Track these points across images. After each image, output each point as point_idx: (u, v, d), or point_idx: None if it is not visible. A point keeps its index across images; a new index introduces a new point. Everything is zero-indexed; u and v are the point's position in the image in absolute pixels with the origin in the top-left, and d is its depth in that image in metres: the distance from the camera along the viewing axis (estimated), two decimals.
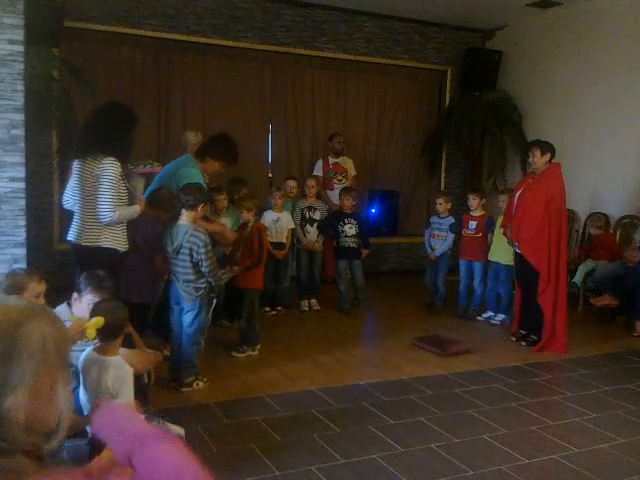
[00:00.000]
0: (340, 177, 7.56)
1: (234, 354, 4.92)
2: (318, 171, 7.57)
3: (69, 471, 1.21)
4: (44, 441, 1.11)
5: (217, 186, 5.68)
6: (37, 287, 3.01)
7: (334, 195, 7.24)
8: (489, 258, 6.22)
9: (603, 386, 4.55)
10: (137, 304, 4.25)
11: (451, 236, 6.40)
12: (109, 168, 3.80)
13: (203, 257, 4.05)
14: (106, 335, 2.84)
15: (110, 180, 3.81)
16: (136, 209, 4.02)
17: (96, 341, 2.90)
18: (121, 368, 2.85)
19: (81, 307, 3.09)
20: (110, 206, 3.81)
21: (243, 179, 6.20)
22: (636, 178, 6.79)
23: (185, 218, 4.12)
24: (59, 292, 3.23)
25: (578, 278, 6.48)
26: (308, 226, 6.49)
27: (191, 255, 4.06)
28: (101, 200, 3.81)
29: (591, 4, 7.33)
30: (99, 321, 2.73)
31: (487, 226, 6.25)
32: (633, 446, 3.58)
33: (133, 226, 4.13)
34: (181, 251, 4.08)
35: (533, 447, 3.53)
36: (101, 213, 3.82)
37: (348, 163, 7.67)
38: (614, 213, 6.99)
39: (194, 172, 4.69)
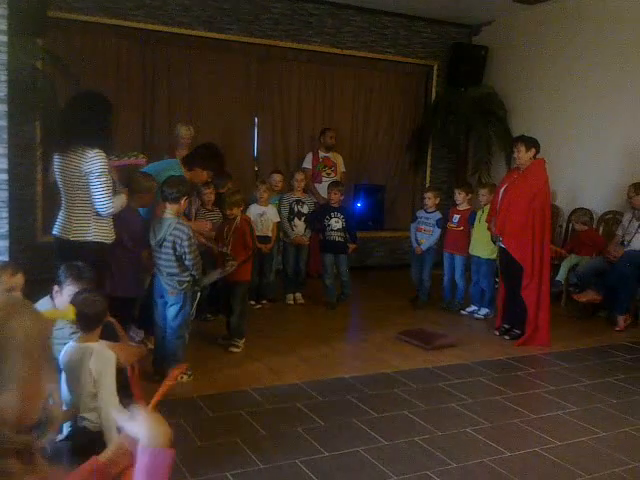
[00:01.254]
0: (329, 171, 7.57)
1: (233, 350, 4.88)
2: (308, 164, 7.56)
3: (62, 472, 1.21)
4: (33, 438, 1.10)
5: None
6: (10, 280, 2.94)
7: (322, 188, 7.25)
8: (470, 252, 6.26)
9: (585, 380, 4.60)
10: (122, 298, 4.23)
11: (438, 231, 6.43)
12: (97, 161, 3.77)
13: (187, 250, 4.04)
14: (86, 326, 2.84)
15: (102, 173, 3.78)
16: (123, 198, 4.02)
17: (78, 333, 2.90)
18: (103, 352, 2.85)
19: (63, 299, 3.06)
20: (110, 198, 3.82)
21: (229, 173, 6.17)
22: (619, 174, 6.85)
23: (168, 211, 4.11)
24: (42, 285, 3.20)
25: (561, 276, 6.52)
26: (296, 220, 6.48)
27: (174, 248, 4.05)
28: (99, 194, 3.79)
29: (578, 1, 7.37)
30: (72, 311, 2.73)
31: (469, 220, 6.29)
32: (614, 439, 3.63)
33: (118, 221, 4.10)
34: (164, 244, 4.07)
35: (515, 440, 3.56)
36: (103, 206, 3.81)
37: (338, 159, 7.68)
38: (597, 209, 7.05)
39: None
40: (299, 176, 6.57)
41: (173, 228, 4.04)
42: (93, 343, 2.87)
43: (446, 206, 7.29)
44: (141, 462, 1.27)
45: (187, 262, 4.08)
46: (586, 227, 6.72)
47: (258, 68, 7.84)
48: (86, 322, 2.83)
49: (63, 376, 2.85)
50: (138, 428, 1.33)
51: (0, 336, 1.06)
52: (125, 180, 4.29)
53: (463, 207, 6.43)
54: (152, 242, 4.12)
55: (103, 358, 2.83)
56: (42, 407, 1.12)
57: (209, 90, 7.54)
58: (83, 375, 2.78)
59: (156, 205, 4.42)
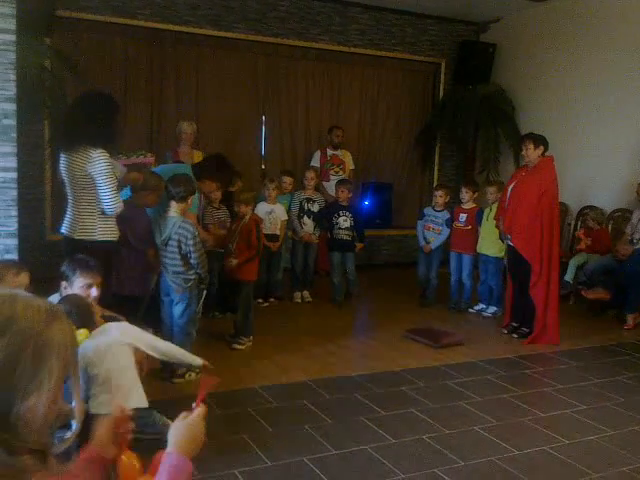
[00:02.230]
0: (337, 169, 7.56)
1: (236, 347, 4.90)
2: (315, 162, 7.56)
3: (69, 469, 1.22)
4: (49, 440, 1.12)
5: None
6: (15, 280, 2.94)
7: (330, 186, 7.26)
8: (478, 250, 6.24)
9: (593, 378, 4.58)
10: (129, 297, 4.25)
11: (447, 231, 6.40)
12: (101, 162, 3.78)
13: (192, 249, 4.06)
14: (82, 324, 2.83)
15: (107, 173, 3.81)
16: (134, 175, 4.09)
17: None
18: (120, 324, 2.86)
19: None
20: (116, 197, 3.85)
21: (238, 171, 6.18)
22: (627, 172, 6.81)
23: (174, 210, 4.13)
24: (51, 282, 3.21)
25: (569, 276, 6.48)
26: (305, 217, 6.49)
27: (180, 247, 4.07)
28: (105, 195, 3.82)
29: None
30: (85, 334, 2.74)
31: (476, 218, 6.27)
32: (622, 438, 3.61)
33: (124, 220, 4.11)
34: (170, 243, 4.09)
35: (524, 439, 3.55)
36: (110, 207, 3.85)
37: (347, 156, 7.67)
38: (606, 207, 7.02)
39: None
40: (310, 174, 6.57)
41: (178, 227, 4.06)
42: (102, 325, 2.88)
43: (453, 204, 7.26)
44: (164, 466, 1.28)
45: (192, 260, 4.09)
46: (599, 227, 6.68)
47: (265, 66, 7.85)
48: (78, 322, 2.82)
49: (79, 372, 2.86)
50: (172, 430, 1.35)
51: (41, 341, 1.08)
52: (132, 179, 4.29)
53: (468, 206, 6.40)
54: (157, 241, 4.14)
55: (125, 327, 2.85)
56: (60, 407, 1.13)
57: (216, 89, 7.55)
58: (114, 346, 2.78)
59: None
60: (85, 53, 6.76)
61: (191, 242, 4.05)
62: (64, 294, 3.11)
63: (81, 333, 2.74)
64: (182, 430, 1.36)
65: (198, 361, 3.13)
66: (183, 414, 1.39)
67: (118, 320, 3.14)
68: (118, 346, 2.87)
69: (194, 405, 1.40)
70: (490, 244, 6.05)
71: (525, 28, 8.22)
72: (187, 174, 4.45)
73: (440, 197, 6.50)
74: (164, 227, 4.10)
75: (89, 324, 2.85)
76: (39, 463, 1.06)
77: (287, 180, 6.53)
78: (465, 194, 6.39)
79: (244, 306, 4.97)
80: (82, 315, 2.82)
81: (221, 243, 5.16)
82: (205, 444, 1.39)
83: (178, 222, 4.07)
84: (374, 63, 8.47)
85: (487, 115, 8.35)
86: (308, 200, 6.51)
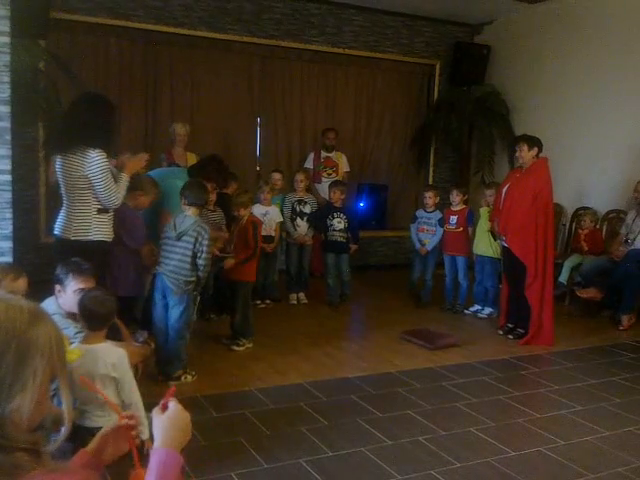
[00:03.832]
0: (330, 171, 7.56)
1: (235, 348, 4.91)
2: (309, 163, 7.58)
3: (67, 466, 1.22)
4: (44, 438, 1.11)
5: None
6: (12, 285, 2.91)
7: (321, 188, 7.27)
8: (474, 251, 6.25)
9: (589, 379, 4.59)
10: (123, 297, 4.24)
11: (441, 230, 6.41)
12: (98, 162, 3.80)
13: (205, 249, 4.11)
14: (93, 325, 2.84)
15: (104, 172, 3.84)
16: (125, 177, 4.06)
17: (82, 332, 2.90)
18: (114, 352, 2.84)
19: (67, 298, 3.05)
20: (114, 191, 3.90)
21: (234, 173, 6.17)
22: (622, 173, 6.83)
23: (191, 212, 4.20)
24: (46, 285, 3.20)
25: (563, 277, 6.49)
26: (298, 219, 6.48)
27: (195, 243, 4.11)
28: (104, 193, 3.87)
29: None
30: (75, 352, 2.73)
31: (467, 219, 6.29)
32: (618, 438, 3.62)
33: (116, 220, 4.12)
34: (184, 238, 4.12)
35: (520, 439, 3.56)
36: (111, 203, 3.92)
37: (341, 158, 7.66)
38: (600, 208, 7.03)
39: None
40: (299, 176, 6.57)
41: (197, 225, 4.14)
42: (99, 344, 2.86)
43: (444, 205, 7.25)
44: (152, 465, 1.27)
45: (200, 260, 4.12)
46: (592, 227, 6.69)
47: (260, 68, 7.84)
48: (94, 321, 2.82)
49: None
50: (155, 428, 1.35)
51: (24, 341, 1.07)
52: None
53: (458, 207, 6.41)
54: (171, 234, 4.15)
55: (115, 360, 2.82)
56: (48, 409, 1.13)
57: (211, 90, 7.54)
58: (94, 375, 2.76)
59: (162, 214, 4.54)
60: (80, 55, 6.75)
61: (206, 242, 4.12)
62: (59, 297, 3.10)
63: (73, 351, 2.72)
64: (166, 423, 1.35)
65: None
66: (155, 409, 1.38)
67: (117, 326, 3.13)
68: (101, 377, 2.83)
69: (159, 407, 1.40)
70: (485, 245, 6.05)
71: (519, 29, 8.24)
72: (197, 179, 4.50)
73: (430, 198, 6.52)
74: (181, 223, 4.15)
75: (95, 327, 2.84)
76: (33, 460, 1.05)
77: (276, 176, 6.51)
78: (456, 196, 6.40)
79: (243, 307, 4.96)
80: (96, 318, 2.82)
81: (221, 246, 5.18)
82: (192, 436, 1.38)
83: (198, 221, 4.18)
84: (369, 65, 8.47)
85: (482, 116, 8.37)
86: (300, 202, 6.51)
